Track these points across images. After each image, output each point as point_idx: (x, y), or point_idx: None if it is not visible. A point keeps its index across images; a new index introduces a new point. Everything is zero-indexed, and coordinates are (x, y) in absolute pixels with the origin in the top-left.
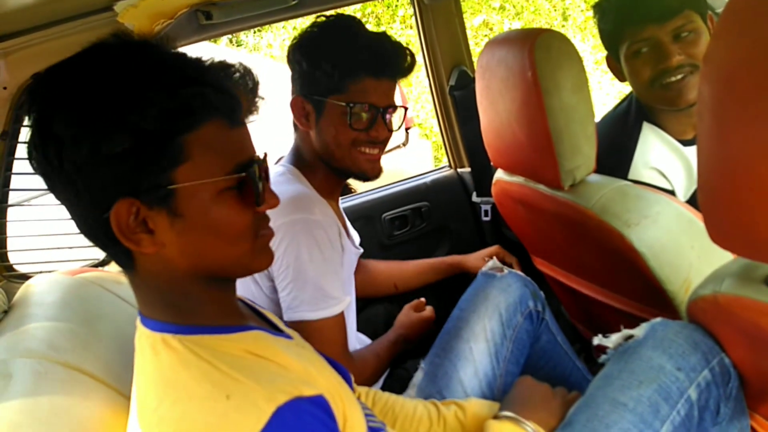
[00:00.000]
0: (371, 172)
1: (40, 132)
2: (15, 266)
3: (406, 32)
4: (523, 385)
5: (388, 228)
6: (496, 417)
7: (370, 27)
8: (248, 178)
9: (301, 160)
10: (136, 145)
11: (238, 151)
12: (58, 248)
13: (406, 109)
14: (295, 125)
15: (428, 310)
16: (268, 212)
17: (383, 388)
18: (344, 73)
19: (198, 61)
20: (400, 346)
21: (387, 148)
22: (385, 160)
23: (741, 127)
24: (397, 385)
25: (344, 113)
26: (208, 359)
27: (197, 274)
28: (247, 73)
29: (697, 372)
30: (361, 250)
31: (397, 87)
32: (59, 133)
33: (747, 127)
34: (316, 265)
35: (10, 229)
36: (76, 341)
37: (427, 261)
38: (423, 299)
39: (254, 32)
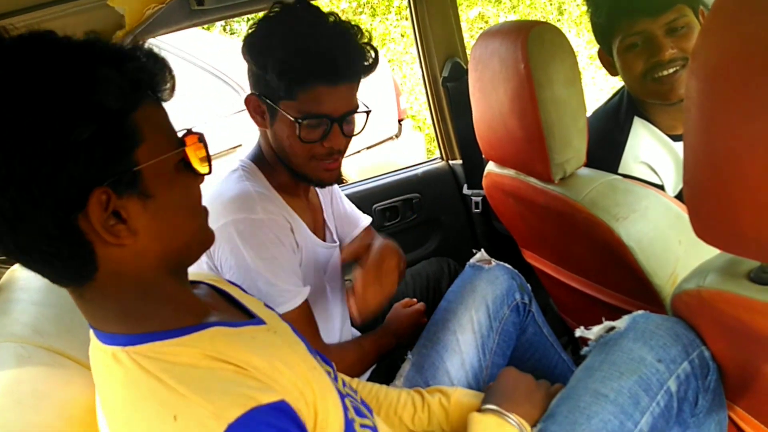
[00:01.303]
0: (328, 180)
1: None
2: None
3: (401, 23)
4: (507, 377)
5: (378, 219)
6: (480, 410)
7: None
8: (200, 143)
9: (262, 156)
10: (102, 128)
11: (172, 127)
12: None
13: (369, 112)
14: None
15: (417, 305)
16: (210, 213)
17: (370, 379)
18: (293, 81)
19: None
20: (388, 339)
21: (379, 140)
22: (377, 152)
23: (727, 122)
24: (384, 375)
25: (294, 125)
26: (156, 374)
27: (164, 261)
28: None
29: (677, 364)
30: (336, 245)
31: (390, 78)
32: (5, 137)
33: (733, 123)
34: (263, 263)
35: None
36: (60, 326)
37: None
38: (414, 299)
39: (247, 20)
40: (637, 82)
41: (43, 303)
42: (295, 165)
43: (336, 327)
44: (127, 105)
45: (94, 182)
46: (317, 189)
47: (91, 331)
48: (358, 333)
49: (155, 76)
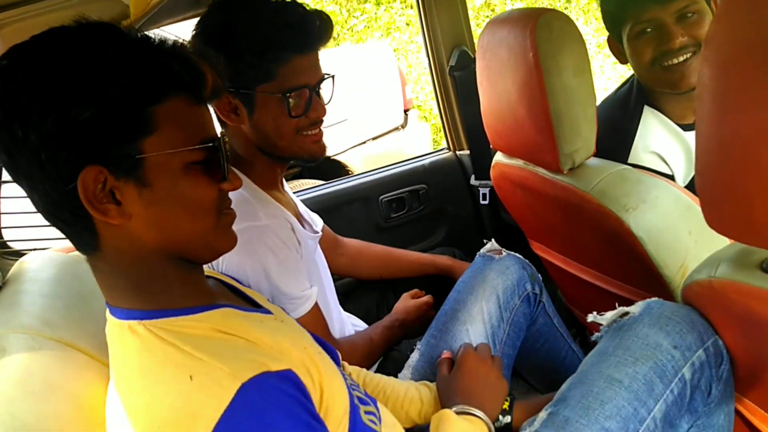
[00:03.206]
0: (319, 153)
1: (5, 106)
2: (9, 243)
3: (406, 12)
4: (467, 365)
5: (385, 210)
6: (449, 407)
7: (369, 6)
8: (214, 152)
9: (235, 156)
10: (103, 112)
11: (202, 128)
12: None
13: (333, 76)
14: (221, 122)
15: (426, 297)
16: None
17: (378, 370)
18: (271, 58)
19: (163, 39)
20: (396, 330)
21: (384, 131)
22: (382, 142)
23: (740, 110)
24: (392, 366)
25: (280, 103)
26: (172, 342)
27: (164, 250)
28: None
29: (693, 351)
30: (320, 234)
31: (396, 67)
32: (25, 104)
33: (746, 111)
34: (273, 272)
35: (4, 206)
36: (69, 318)
37: (416, 257)
38: (422, 291)
39: None
40: (647, 70)
41: (51, 295)
42: (282, 148)
43: (333, 317)
44: (141, 96)
45: (90, 160)
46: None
47: (107, 311)
48: (355, 318)
49: (192, 76)
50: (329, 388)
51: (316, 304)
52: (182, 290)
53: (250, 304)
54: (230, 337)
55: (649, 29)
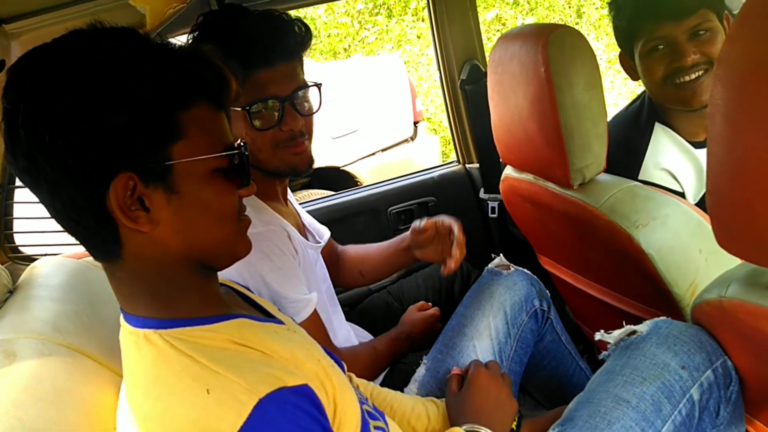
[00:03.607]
0: (301, 165)
1: (29, 111)
2: (20, 248)
3: (417, 24)
4: (477, 384)
5: (394, 222)
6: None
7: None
8: (239, 159)
9: None
10: (136, 117)
11: (223, 134)
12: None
13: (319, 85)
14: None
15: (432, 309)
16: None
17: (384, 382)
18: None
19: (184, 45)
20: (402, 342)
21: (393, 142)
22: (391, 154)
23: (753, 130)
24: (398, 379)
25: (245, 117)
26: (188, 353)
27: (187, 257)
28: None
29: (701, 372)
30: (321, 244)
31: (406, 79)
32: (52, 109)
33: (759, 131)
34: (270, 277)
35: (17, 210)
36: (79, 324)
37: (389, 242)
38: (429, 303)
39: None
40: (659, 86)
41: (62, 300)
42: (263, 162)
43: (335, 327)
44: (171, 102)
45: (122, 166)
46: (289, 195)
47: (122, 318)
48: (360, 329)
49: (217, 82)
50: (342, 402)
51: (316, 310)
52: (198, 299)
53: (262, 313)
54: (246, 349)
55: (661, 46)
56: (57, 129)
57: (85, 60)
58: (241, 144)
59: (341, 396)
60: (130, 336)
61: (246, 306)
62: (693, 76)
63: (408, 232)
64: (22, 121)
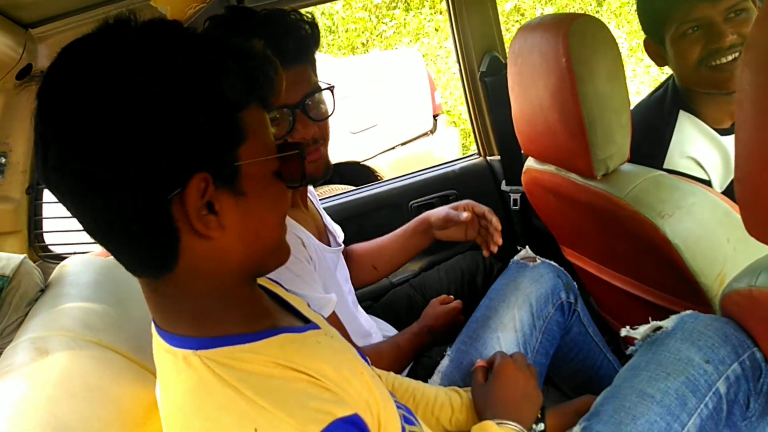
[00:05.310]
0: (317, 174)
1: (86, 113)
2: (50, 247)
3: (435, 17)
4: (505, 375)
5: (415, 215)
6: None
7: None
8: (296, 159)
9: None
10: (217, 118)
11: (270, 133)
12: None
13: (332, 87)
14: None
15: (455, 303)
16: None
17: (409, 374)
18: None
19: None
20: (425, 337)
21: (413, 136)
22: (411, 148)
23: None
24: (422, 371)
25: None
26: (233, 384)
27: (243, 265)
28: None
29: (726, 365)
30: (342, 247)
31: (425, 72)
32: (115, 109)
33: None
34: (284, 280)
35: (46, 210)
36: (109, 321)
37: (403, 229)
38: (451, 296)
39: None
40: (692, 70)
41: (91, 298)
42: None
43: (362, 323)
44: (242, 101)
45: (198, 167)
46: (310, 196)
47: (155, 332)
48: (384, 323)
49: (270, 80)
50: (385, 417)
51: (334, 314)
52: (243, 312)
53: (296, 316)
54: (292, 374)
55: (696, 28)
56: (122, 129)
57: (159, 58)
58: (302, 144)
59: (384, 411)
60: (166, 354)
61: (282, 312)
62: (730, 58)
63: (425, 215)
64: (91, 116)
